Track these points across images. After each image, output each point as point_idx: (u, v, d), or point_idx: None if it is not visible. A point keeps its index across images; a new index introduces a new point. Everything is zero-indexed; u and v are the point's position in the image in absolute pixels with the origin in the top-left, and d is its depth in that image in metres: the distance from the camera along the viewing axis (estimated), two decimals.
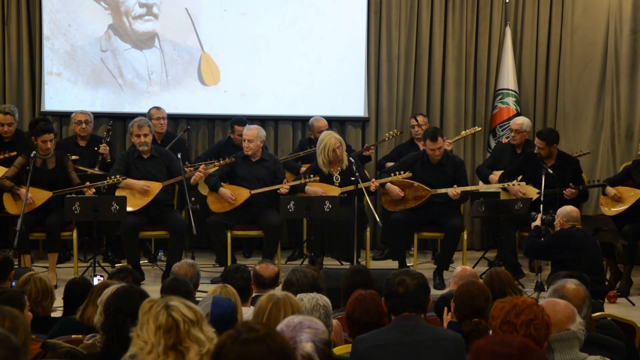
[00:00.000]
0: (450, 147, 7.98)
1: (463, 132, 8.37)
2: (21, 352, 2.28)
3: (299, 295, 3.46)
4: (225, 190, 7.26)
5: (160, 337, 2.47)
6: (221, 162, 7.36)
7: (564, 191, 7.14)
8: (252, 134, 7.36)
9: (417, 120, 8.21)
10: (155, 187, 7.16)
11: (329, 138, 7.30)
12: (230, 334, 2.15)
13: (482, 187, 7.80)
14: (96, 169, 7.56)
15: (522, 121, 7.95)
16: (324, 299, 3.42)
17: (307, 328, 2.78)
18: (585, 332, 3.05)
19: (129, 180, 7.13)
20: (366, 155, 8.18)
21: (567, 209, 6.20)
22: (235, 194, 7.27)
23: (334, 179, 7.34)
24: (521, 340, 2.29)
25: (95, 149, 7.69)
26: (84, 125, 7.74)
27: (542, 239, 6.24)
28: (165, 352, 2.46)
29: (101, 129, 8.29)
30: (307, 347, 2.70)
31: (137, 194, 7.12)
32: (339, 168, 7.36)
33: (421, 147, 7.71)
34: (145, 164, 7.26)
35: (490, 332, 2.95)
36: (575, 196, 7.19)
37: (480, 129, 8.45)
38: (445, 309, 3.99)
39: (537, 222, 6.39)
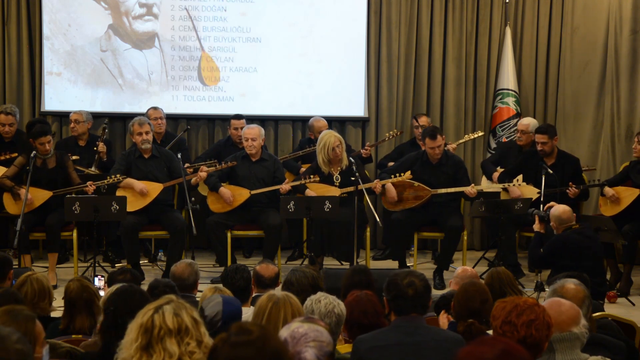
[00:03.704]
0: (454, 149, 7.97)
1: (466, 136, 8.36)
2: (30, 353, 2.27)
3: (318, 294, 3.43)
4: (226, 190, 7.26)
5: (139, 335, 2.50)
6: (223, 165, 7.35)
7: (567, 190, 7.13)
8: (255, 132, 7.36)
9: (417, 121, 8.20)
10: (155, 188, 7.16)
11: (329, 136, 7.30)
12: (222, 336, 2.16)
13: (482, 186, 7.79)
14: (93, 168, 7.57)
15: (529, 122, 7.91)
16: (340, 308, 3.38)
17: (311, 341, 2.76)
18: (588, 333, 3.04)
19: (129, 180, 7.12)
20: (366, 156, 8.19)
21: (557, 213, 5.94)
22: (235, 194, 7.26)
23: (334, 179, 7.34)
24: (503, 347, 2.28)
25: (95, 149, 7.69)
26: (72, 125, 7.77)
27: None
28: (139, 351, 2.48)
29: (101, 129, 8.29)
30: None
31: (137, 195, 7.12)
32: (339, 168, 7.36)
33: (422, 147, 7.72)
34: (146, 164, 7.26)
35: (491, 332, 2.95)
36: (577, 195, 7.19)
37: (483, 133, 8.44)
38: (443, 311, 3.99)
39: (537, 226, 6.24)
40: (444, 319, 3.97)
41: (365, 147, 8.15)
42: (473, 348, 2.29)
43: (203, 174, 7.22)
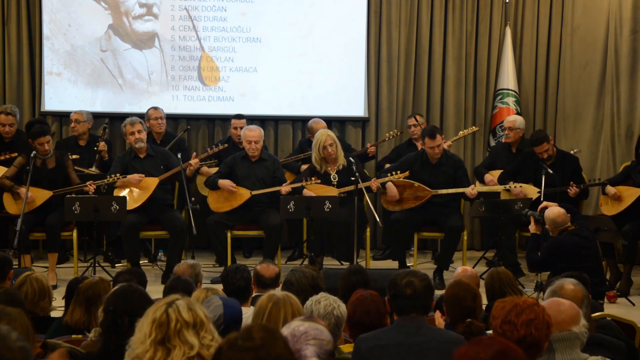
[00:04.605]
0: (450, 147, 7.97)
1: (461, 132, 8.37)
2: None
3: (320, 295, 3.42)
4: (224, 180, 7.25)
5: (152, 330, 2.49)
6: (214, 149, 7.41)
7: (568, 189, 7.13)
8: (257, 134, 7.36)
9: (416, 120, 8.21)
10: (152, 182, 7.15)
11: (321, 134, 7.34)
12: (229, 339, 2.16)
13: (484, 187, 7.78)
14: (93, 168, 7.57)
15: (515, 119, 7.96)
16: (340, 310, 3.35)
17: (312, 339, 2.76)
18: (588, 333, 3.03)
19: (124, 179, 7.10)
20: (371, 155, 8.19)
21: (552, 216, 5.90)
22: (236, 194, 7.26)
23: (332, 178, 7.35)
24: (498, 347, 2.27)
25: (95, 148, 7.69)
26: (73, 124, 7.79)
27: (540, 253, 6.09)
28: (154, 345, 2.48)
29: (100, 129, 8.30)
30: None
31: (135, 191, 7.12)
32: (335, 167, 7.37)
33: (419, 147, 7.72)
34: (142, 164, 7.27)
35: (491, 331, 2.95)
36: (577, 194, 7.19)
37: (478, 128, 8.45)
38: (437, 311, 3.99)
39: (533, 228, 6.22)
40: (439, 319, 3.96)
41: (369, 146, 8.17)
42: (468, 348, 2.29)
43: (195, 161, 7.23)
